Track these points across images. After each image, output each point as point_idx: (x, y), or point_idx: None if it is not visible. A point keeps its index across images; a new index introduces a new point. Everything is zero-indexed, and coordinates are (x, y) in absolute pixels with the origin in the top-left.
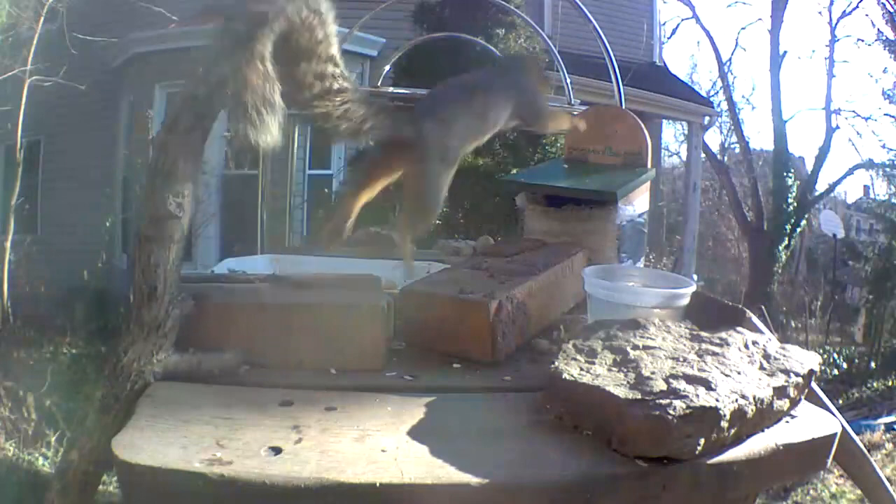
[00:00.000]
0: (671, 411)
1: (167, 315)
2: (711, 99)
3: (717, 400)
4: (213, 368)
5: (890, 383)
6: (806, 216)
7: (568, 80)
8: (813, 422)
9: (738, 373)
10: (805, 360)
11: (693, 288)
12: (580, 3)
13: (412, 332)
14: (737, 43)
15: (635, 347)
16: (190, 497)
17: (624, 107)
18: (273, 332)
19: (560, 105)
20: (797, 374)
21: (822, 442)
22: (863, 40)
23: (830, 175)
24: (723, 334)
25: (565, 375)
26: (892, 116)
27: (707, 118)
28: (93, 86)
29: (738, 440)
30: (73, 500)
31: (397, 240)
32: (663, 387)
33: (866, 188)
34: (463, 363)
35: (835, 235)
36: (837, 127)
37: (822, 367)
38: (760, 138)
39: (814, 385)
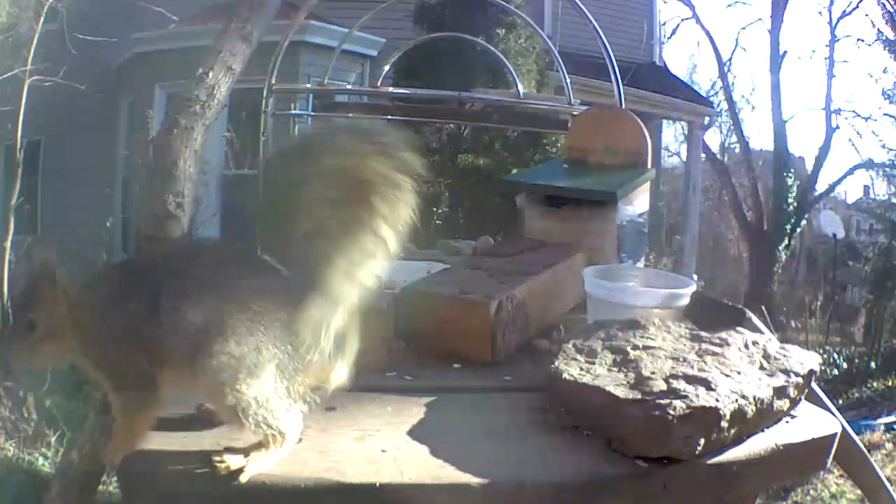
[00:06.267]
0: (671, 411)
1: None
2: (711, 99)
3: (717, 400)
4: None
5: (890, 383)
6: (806, 216)
7: (568, 80)
8: (813, 422)
9: (738, 373)
10: (805, 360)
11: (693, 288)
12: (580, 3)
13: (412, 332)
14: (737, 43)
15: (635, 347)
16: (190, 497)
17: (624, 107)
18: None
19: (560, 105)
20: (797, 374)
21: (822, 442)
22: (863, 40)
23: (830, 175)
24: (723, 334)
25: (565, 375)
26: (892, 116)
27: (707, 118)
28: (93, 86)
29: (738, 440)
30: (73, 500)
31: None
32: (663, 387)
33: (866, 188)
34: (463, 363)
35: (835, 235)
36: (837, 127)
37: (822, 367)
38: (760, 138)
39: (814, 385)
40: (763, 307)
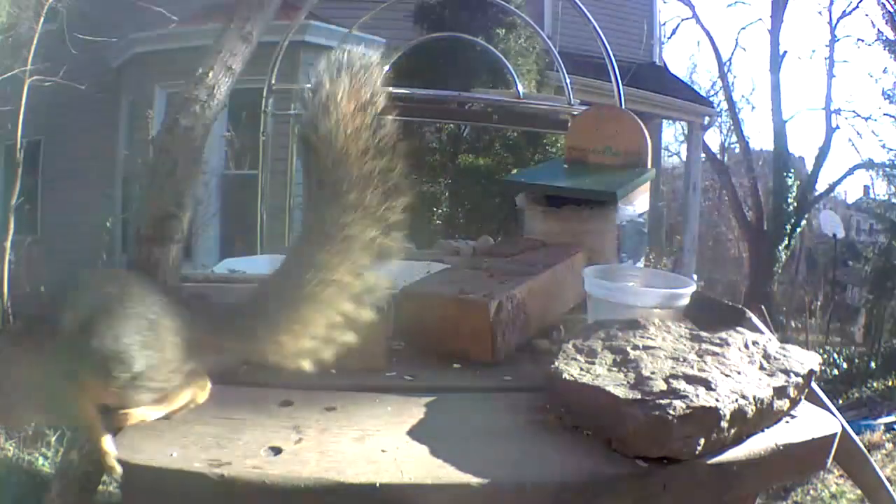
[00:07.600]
0: (671, 411)
1: None
2: (711, 99)
3: (717, 400)
4: (212, 368)
5: (890, 383)
6: (806, 216)
7: (568, 80)
8: (813, 422)
9: (738, 373)
10: (805, 360)
11: (693, 288)
12: (580, 4)
13: (412, 332)
14: (737, 43)
15: (635, 347)
16: (189, 497)
17: (624, 107)
18: None
19: (560, 105)
20: (797, 374)
21: (822, 442)
22: (863, 40)
23: (830, 175)
24: (723, 334)
25: (565, 375)
26: (892, 116)
27: (707, 118)
28: (93, 86)
29: (738, 440)
30: (73, 500)
31: None
32: (663, 387)
33: (866, 188)
34: (463, 363)
35: (835, 235)
36: (837, 127)
37: (822, 367)
38: (760, 138)
39: (814, 385)
40: (763, 307)
